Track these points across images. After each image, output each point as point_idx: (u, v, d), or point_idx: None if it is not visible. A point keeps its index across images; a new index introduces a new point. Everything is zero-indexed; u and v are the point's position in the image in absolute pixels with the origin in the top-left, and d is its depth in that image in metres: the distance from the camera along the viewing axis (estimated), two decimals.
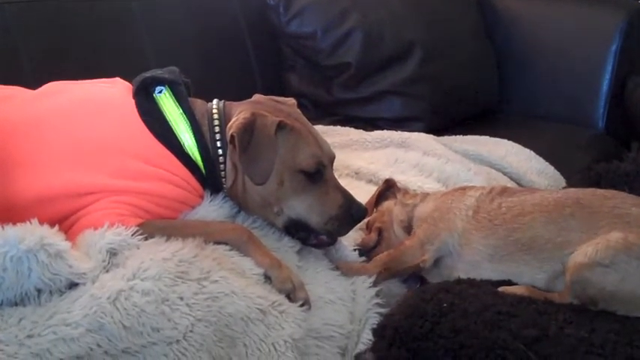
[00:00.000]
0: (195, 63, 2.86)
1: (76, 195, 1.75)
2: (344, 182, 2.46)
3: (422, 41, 3.28)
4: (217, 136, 1.89)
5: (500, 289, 1.81)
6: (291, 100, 2.04)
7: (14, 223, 1.58)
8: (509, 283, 1.85)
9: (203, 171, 1.88)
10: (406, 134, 2.84)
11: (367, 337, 1.81)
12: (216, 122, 1.89)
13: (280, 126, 1.83)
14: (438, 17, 3.42)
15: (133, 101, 1.89)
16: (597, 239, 1.73)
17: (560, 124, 3.39)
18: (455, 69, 3.37)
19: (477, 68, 3.52)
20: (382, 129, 3.01)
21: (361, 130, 3.03)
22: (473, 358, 1.59)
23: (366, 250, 2.07)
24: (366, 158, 2.67)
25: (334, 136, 2.98)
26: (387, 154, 2.71)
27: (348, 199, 1.90)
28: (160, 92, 1.90)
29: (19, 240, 1.51)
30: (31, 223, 1.59)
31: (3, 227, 1.55)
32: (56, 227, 1.63)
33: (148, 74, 1.93)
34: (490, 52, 3.62)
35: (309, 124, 1.96)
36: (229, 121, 1.86)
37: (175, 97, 1.90)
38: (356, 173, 2.54)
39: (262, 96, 2.03)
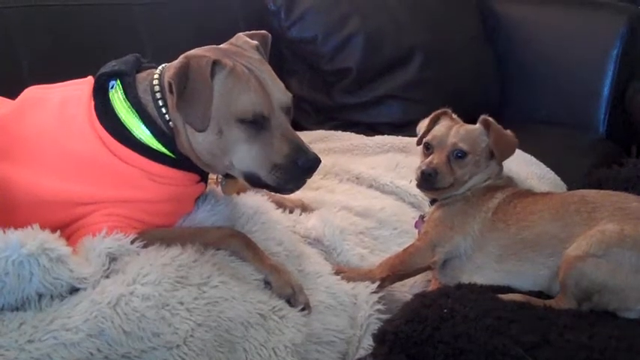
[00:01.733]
0: None
1: (68, 203, 1.75)
2: (345, 187, 2.49)
3: (422, 46, 3.29)
4: (160, 102, 1.81)
5: (499, 297, 1.81)
6: (252, 42, 1.89)
7: (15, 228, 1.58)
8: (508, 289, 1.86)
9: (173, 156, 1.82)
10: (407, 139, 2.84)
11: (368, 343, 1.81)
12: (158, 95, 1.80)
13: (217, 65, 1.72)
14: (438, 22, 3.43)
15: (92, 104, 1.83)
16: (592, 232, 1.76)
17: (560, 129, 3.39)
18: (455, 74, 3.37)
19: (478, 73, 3.53)
20: (383, 134, 3.01)
21: (362, 135, 3.03)
22: None
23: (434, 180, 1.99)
24: (366, 163, 2.67)
25: (335, 141, 2.98)
26: (388, 159, 2.71)
27: (296, 148, 1.74)
28: (112, 88, 1.83)
29: (21, 244, 1.52)
30: (32, 227, 1.59)
31: (4, 231, 1.55)
32: (57, 232, 1.63)
33: (103, 69, 1.86)
34: (490, 56, 3.62)
35: (264, 67, 1.83)
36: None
37: (124, 90, 1.82)
38: (357, 178, 2.54)
39: (233, 40, 1.91)
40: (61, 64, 2.42)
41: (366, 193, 2.44)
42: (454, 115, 2.16)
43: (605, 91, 3.40)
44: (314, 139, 2.91)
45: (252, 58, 1.83)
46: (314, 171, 1.78)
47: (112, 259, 1.68)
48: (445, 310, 1.72)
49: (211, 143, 1.76)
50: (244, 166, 1.77)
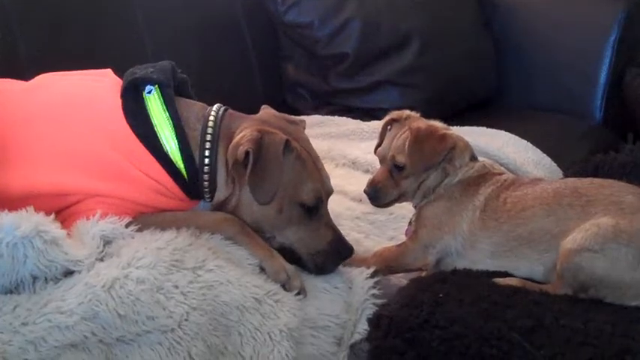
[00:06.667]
0: (193, 53, 2.85)
1: (60, 194, 1.74)
2: (341, 172, 2.50)
3: (419, 31, 3.28)
4: (207, 145, 1.83)
5: (495, 281, 1.81)
6: (302, 122, 2.00)
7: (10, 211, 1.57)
8: (506, 274, 1.86)
9: (186, 178, 1.82)
10: None
11: (363, 328, 1.81)
12: (210, 130, 1.83)
13: (287, 147, 1.78)
14: (435, 7, 3.42)
15: (119, 101, 1.82)
16: (587, 225, 1.74)
17: (557, 115, 3.39)
18: (452, 59, 3.36)
19: (475, 59, 3.52)
20: (379, 119, 2.99)
21: (358, 120, 3.03)
22: (468, 349, 1.59)
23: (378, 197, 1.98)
24: (363, 148, 2.66)
25: (331, 126, 2.98)
26: None
27: (338, 236, 1.88)
28: (150, 92, 1.83)
29: (15, 226, 1.51)
30: (26, 210, 1.58)
31: None
32: (52, 215, 1.62)
33: (138, 73, 1.86)
34: (488, 42, 3.61)
35: (314, 150, 1.91)
36: (226, 133, 1.82)
37: (163, 100, 1.83)
38: (353, 163, 2.54)
39: (270, 111, 1.97)
40: (59, 53, 2.41)
41: (362, 178, 2.42)
42: (413, 118, 2.04)
43: (603, 77, 3.39)
44: (310, 124, 2.87)
45: (304, 140, 1.91)
46: (346, 259, 1.90)
47: (107, 242, 1.68)
48: (441, 295, 1.72)
49: (265, 216, 1.82)
50: (288, 241, 1.84)
